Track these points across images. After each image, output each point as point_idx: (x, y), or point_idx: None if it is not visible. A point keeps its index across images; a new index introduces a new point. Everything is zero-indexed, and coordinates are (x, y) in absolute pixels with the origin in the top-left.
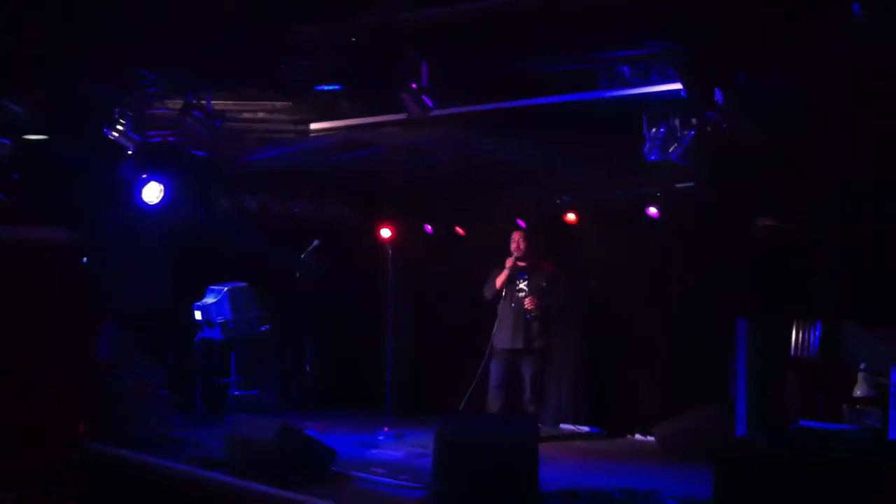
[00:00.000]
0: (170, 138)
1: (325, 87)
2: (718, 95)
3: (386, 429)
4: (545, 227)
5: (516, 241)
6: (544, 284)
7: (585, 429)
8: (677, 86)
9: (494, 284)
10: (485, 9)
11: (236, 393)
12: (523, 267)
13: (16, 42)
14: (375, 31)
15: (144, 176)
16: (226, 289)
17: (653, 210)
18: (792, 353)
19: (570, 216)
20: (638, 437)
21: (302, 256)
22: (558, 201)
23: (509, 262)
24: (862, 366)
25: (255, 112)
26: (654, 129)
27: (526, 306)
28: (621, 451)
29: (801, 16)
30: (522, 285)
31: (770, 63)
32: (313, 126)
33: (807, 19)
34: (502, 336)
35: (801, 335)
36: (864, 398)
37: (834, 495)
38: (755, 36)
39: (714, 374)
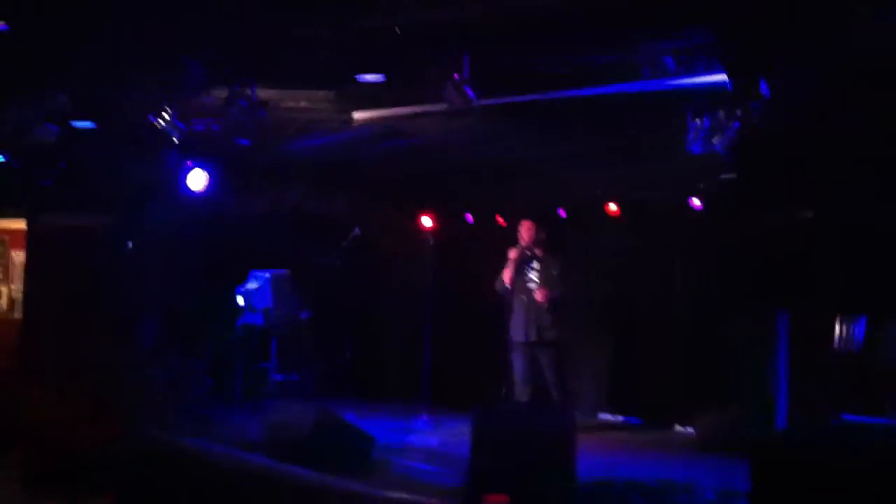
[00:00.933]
0: (214, 126)
1: (369, 78)
2: (764, 87)
3: (424, 416)
4: (584, 218)
5: (523, 231)
6: (555, 274)
7: (623, 419)
8: (722, 77)
9: (503, 278)
10: (528, 3)
11: (277, 378)
12: (533, 257)
13: (63, 30)
14: (418, 25)
15: (189, 164)
16: (268, 275)
17: (696, 201)
18: (835, 346)
19: (612, 206)
20: (677, 428)
21: (342, 245)
22: (598, 192)
23: (512, 254)
24: None
25: (298, 101)
26: (698, 121)
27: (536, 298)
28: (660, 442)
29: (844, 7)
30: (533, 276)
31: (813, 55)
32: (356, 115)
33: (849, 10)
34: (517, 329)
35: (843, 329)
36: None
37: (873, 490)
38: (799, 28)
39: (755, 366)
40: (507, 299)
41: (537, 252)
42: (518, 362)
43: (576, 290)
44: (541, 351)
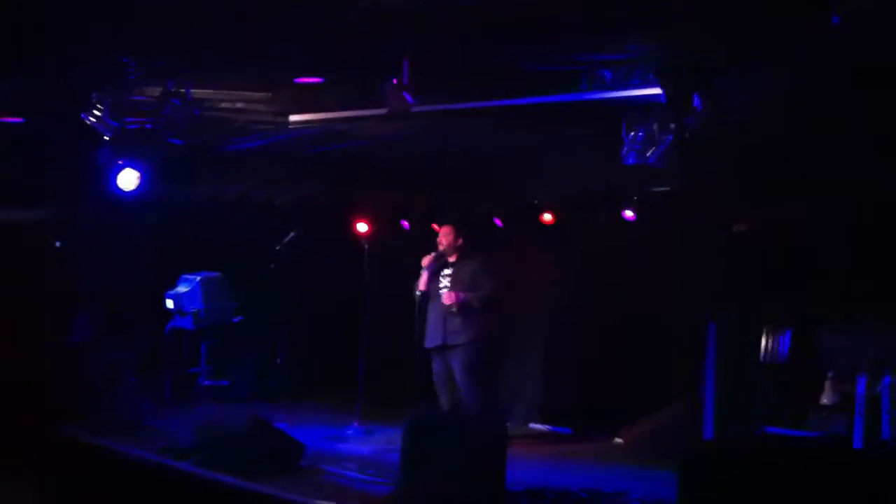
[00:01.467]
0: (147, 125)
1: (306, 80)
2: (697, 101)
3: (356, 423)
4: (521, 224)
5: (440, 236)
6: (467, 279)
7: (554, 429)
8: (657, 90)
9: (419, 284)
10: (467, 6)
11: (206, 383)
12: (448, 262)
13: None
14: (357, 25)
15: (120, 162)
16: (198, 278)
17: (629, 213)
18: (761, 358)
19: (547, 216)
20: (606, 437)
21: (277, 248)
22: (535, 200)
23: (425, 261)
24: (829, 373)
25: (234, 102)
26: (632, 133)
27: (444, 301)
28: (589, 451)
29: (780, 20)
30: (445, 282)
31: (749, 67)
32: (292, 118)
33: (785, 23)
34: (428, 335)
35: (770, 340)
36: (831, 406)
37: (796, 500)
38: (734, 40)
39: (684, 376)
40: (424, 306)
41: (451, 258)
42: (434, 370)
43: (508, 298)
44: (450, 355)
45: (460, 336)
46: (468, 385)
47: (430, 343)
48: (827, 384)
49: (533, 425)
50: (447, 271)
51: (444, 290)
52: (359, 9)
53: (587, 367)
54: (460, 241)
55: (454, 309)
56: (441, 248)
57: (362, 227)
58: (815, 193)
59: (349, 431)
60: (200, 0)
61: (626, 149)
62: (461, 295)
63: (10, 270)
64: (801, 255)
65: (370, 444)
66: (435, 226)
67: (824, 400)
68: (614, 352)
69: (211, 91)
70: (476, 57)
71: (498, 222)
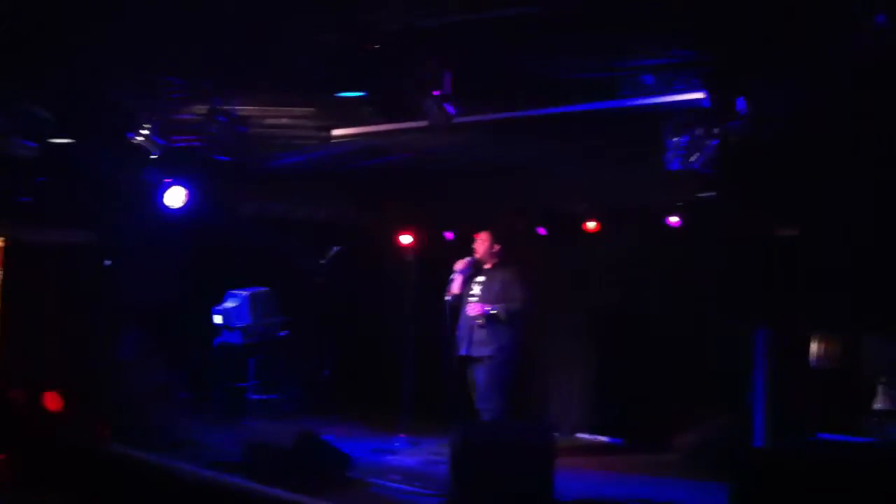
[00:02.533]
0: (194, 143)
1: (348, 94)
2: (741, 104)
3: (403, 435)
4: (565, 234)
5: (477, 243)
6: (498, 289)
7: (603, 439)
8: (700, 95)
9: (451, 289)
10: (507, 16)
11: (254, 397)
12: (483, 269)
13: (43, 44)
14: (398, 38)
15: (168, 180)
16: (246, 293)
17: (674, 219)
18: (812, 364)
19: (591, 224)
20: (656, 447)
21: (322, 262)
22: (578, 208)
23: (458, 265)
24: (882, 379)
25: (279, 118)
26: (675, 139)
27: (468, 313)
28: (638, 461)
29: (823, 21)
30: (476, 290)
31: (792, 70)
32: (335, 132)
33: (829, 25)
34: (458, 343)
35: (820, 346)
36: (884, 411)
37: None
38: (777, 44)
39: (734, 385)
40: (455, 310)
41: (486, 265)
42: (467, 376)
43: (554, 306)
44: (474, 366)
45: (485, 348)
46: (489, 399)
47: (457, 352)
48: (879, 389)
49: (581, 435)
50: (480, 278)
51: (474, 299)
52: (399, 21)
53: (635, 377)
54: (496, 248)
55: (480, 321)
56: (477, 254)
57: (406, 240)
58: (863, 196)
59: (396, 443)
60: (241, 19)
61: (669, 154)
62: (486, 307)
63: (61, 290)
64: (851, 259)
65: (417, 456)
66: (477, 236)
67: (877, 405)
68: (663, 360)
69: (256, 108)
70: (517, 67)
71: (542, 231)
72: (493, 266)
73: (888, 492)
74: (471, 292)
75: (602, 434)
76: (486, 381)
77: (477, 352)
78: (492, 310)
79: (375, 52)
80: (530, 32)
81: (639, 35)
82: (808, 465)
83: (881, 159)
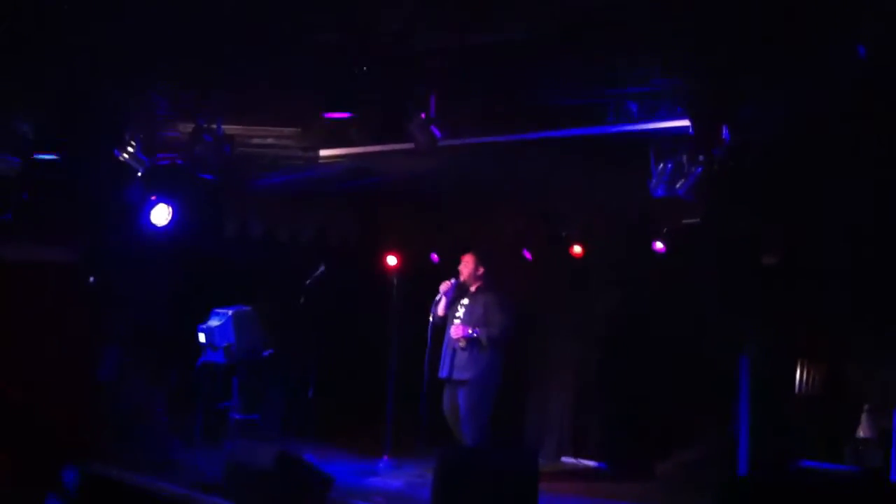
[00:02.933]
0: (178, 161)
1: (335, 115)
2: (725, 133)
3: (386, 457)
4: (551, 257)
5: (461, 265)
6: (481, 313)
7: (587, 463)
8: (684, 122)
9: (437, 310)
10: (494, 43)
11: (237, 417)
12: (468, 292)
13: (28, 62)
14: (386, 62)
15: (153, 198)
16: (230, 312)
17: (659, 245)
18: (796, 391)
19: (576, 248)
20: (639, 472)
21: (307, 282)
22: (563, 232)
23: (443, 287)
24: (866, 406)
25: (265, 138)
26: (661, 165)
27: (451, 334)
28: (621, 486)
29: (805, 49)
30: (460, 312)
31: (774, 97)
32: (322, 153)
33: (810, 53)
34: (441, 364)
35: (804, 373)
36: (868, 439)
37: None
38: (760, 71)
39: (717, 410)
40: (438, 332)
41: (471, 287)
42: (444, 395)
43: (539, 330)
44: (457, 389)
45: (466, 372)
46: (469, 423)
47: (441, 374)
48: (863, 417)
49: (565, 459)
50: (465, 301)
51: (457, 321)
52: (385, 46)
53: (618, 401)
54: (481, 270)
55: (461, 344)
56: (462, 276)
57: (392, 261)
58: (844, 222)
59: (379, 465)
60: (228, 37)
61: (654, 181)
62: (468, 330)
63: (41, 307)
64: (836, 286)
65: (400, 478)
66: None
67: (860, 433)
68: (646, 385)
69: (241, 127)
70: (503, 92)
71: (527, 254)
72: (478, 289)
73: None
74: (455, 314)
75: (586, 458)
76: (466, 406)
77: (458, 375)
78: (474, 333)
79: (363, 74)
80: (515, 58)
81: (624, 63)
82: (792, 492)
83: (866, 185)
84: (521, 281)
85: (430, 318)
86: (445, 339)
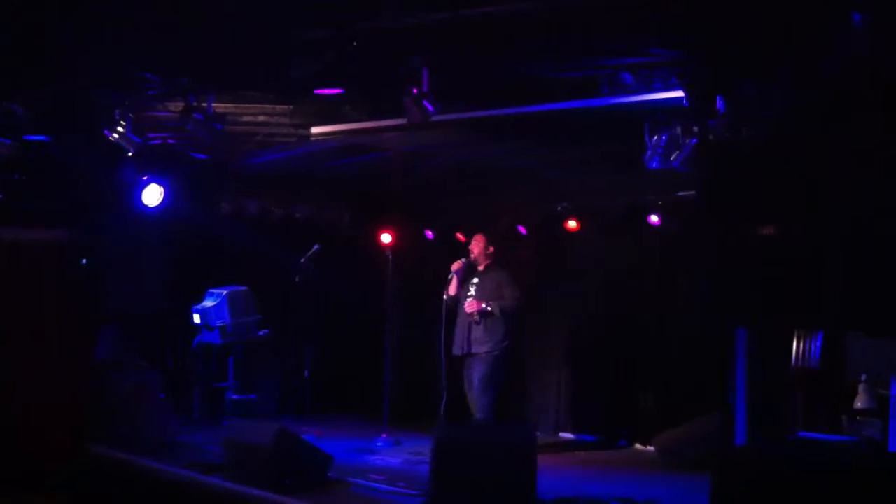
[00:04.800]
0: (170, 141)
1: (327, 92)
2: (720, 103)
3: (384, 435)
4: (545, 233)
5: (472, 244)
6: (493, 288)
7: (584, 437)
8: (679, 94)
9: (448, 290)
10: (486, 14)
11: (234, 397)
12: (477, 271)
13: (18, 42)
14: (378, 36)
15: (145, 178)
16: (225, 292)
17: (654, 218)
18: (792, 363)
19: (571, 223)
20: (638, 446)
21: (302, 261)
22: (559, 207)
23: (454, 266)
24: (863, 377)
25: (256, 115)
26: (655, 137)
27: (465, 309)
28: (620, 460)
29: (803, 23)
30: (472, 290)
31: (771, 70)
32: (314, 130)
33: (808, 27)
34: (455, 342)
35: (801, 345)
36: (865, 410)
37: None
38: (757, 44)
39: (714, 383)
40: (452, 312)
41: (480, 266)
42: (463, 374)
43: (536, 306)
44: (470, 363)
45: (482, 345)
46: (482, 395)
47: (456, 351)
48: (861, 388)
49: (563, 434)
50: (475, 280)
51: (470, 298)
52: (376, 22)
53: (617, 375)
54: (491, 249)
55: (476, 318)
56: (472, 256)
57: (386, 239)
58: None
59: (378, 443)
60: (218, 14)
61: (649, 153)
62: (481, 304)
63: (36, 289)
64: (833, 257)
65: (399, 456)
66: (459, 235)
67: (858, 404)
68: (644, 359)
69: (233, 105)
70: (496, 66)
71: (522, 230)
72: (487, 267)
73: (867, 490)
74: (468, 293)
75: (584, 433)
76: (480, 377)
77: (475, 349)
78: (487, 307)
79: (355, 48)
80: (510, 31)
81: (619, 34)
82: (789, 463)
83: (862, 159)
84: (517, 257)
85: (444, 298)
86: (458, 318)
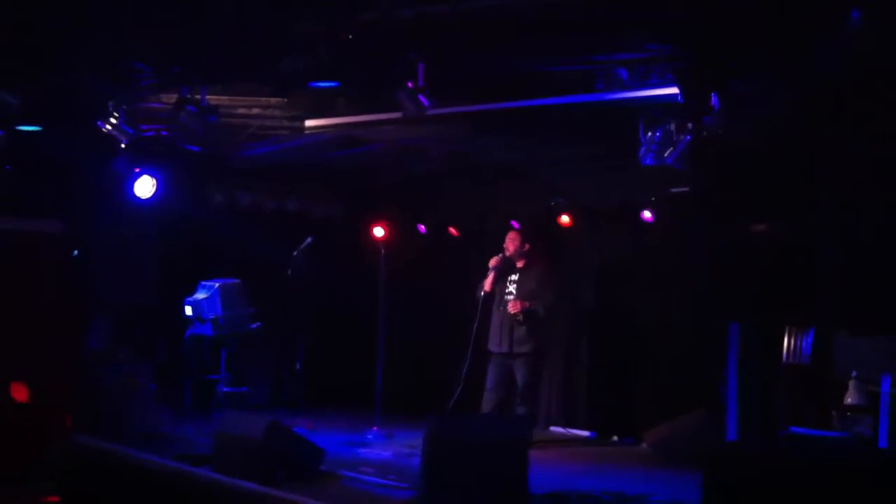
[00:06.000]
0: (163, 132)
1: (321, 84)
2: (715, 100)
3: (375, 428)
4: (539, 228)
5: (507, 241)
6: (534, 286)
7: (576, 432)
8: (674, 90)
9: (484, 286)
10: (483, 8)
11: (225, 390)
12: (516, 268)
13: (10, 32)
14: (373, 29)
15: (137, 170)
16: (217, 285)
17: (647, 214)
18: (784, 359)
19: (564, 218)
20: (629, 441)
21: (294, 254)
22: (553, 203)
23: (492, 262)
24: (853, 373)
25: (250, 108)
26: (649, 134)
27: (509, 310)
28: (612, 454)
29: (799, 21)
30: (511, 288)
31: (767, 68)
32: (308, 123)
33: (804, 24)
34: (492, 339)
35: (793, 342)
36: (855, 406)
37: (821, 502)
38: (752, 41)
39: (706, 378)
40: (488, 307)
41: (518, 263)
42: (490, 371)
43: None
44: (514, 362)
45: (526, 345)
46: (525, 395)
47: (495, 348)
48: (851, 384)
49: (554, 429)
50: (513, 277)
51: (510, 297)
52: (372, 14)
53: (609, 371)
54: (527, 246)
55: (519, 318)
56: (508, 252)
57: (379, 232)
58: (837, 192)
59: (369, 436)
60: (214, 6)
61: (643, 149)
62: (526, 304)
63: (26, 281)
64: (825, 255)
65: (390, 449)
66: (452, 230)
67: (849, 400)
68: (636, 354)
69: (226, 97)
70: (492, 60)
71: (515, 224)
72: (525, 264)
73: (858, 486)
74: (506, 290)
75: (575, 427)
76: (525, 376)
77: (518, 348)
78: (533, 307)
79: (350, 42)
80: (505, 25)
81: (614, 29)
82: (780, 459)
83: (856, 156)
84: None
85: (480, 294)
86: (498, 315)
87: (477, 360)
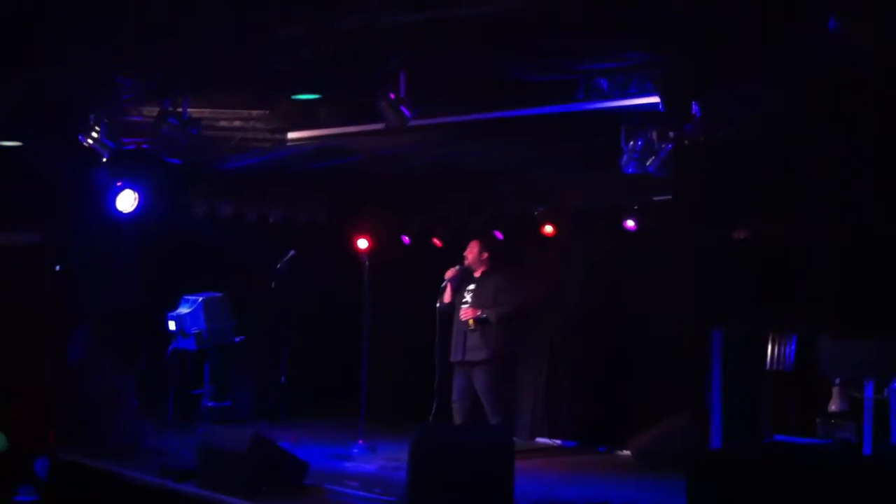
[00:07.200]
0: (144, 145)
1: (303, 96)
2: (696, 108)
3: (360, 441)
4: (522, 236)
5: (467, 250)
6: (490, 294)
7: (560, 442)
8: (654, 99)
9: (443, 298)
10: (463, 17)
11: (209, 404)
12: (473, 277)
13: None
14: (354, 39)
15: (119, 184)
16: (200, 299)
17: (630, 223)
18: (767, 366)
19: (548, 228)
20: (613, 449)
21: (278, 266)
22: (536, 212)
23: (448, 274)
24: (836, 380)
25: (232, 120)
26: (631, 143)
27: (461, 317)
28: (597, 463)
29: (778, 24)
30: (468, 297)
31: (747, 71)
32: (290, 135)
33: (783, 27)
34: (452, 349)
35: (776, 348)
36: (839, 412)
37: None
38: (732, 45)
39: (690, 385)
40: (446, 318)
41: (476, 272)
42: (454, 382)
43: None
44: (470, 370)
45: (479, 352)
46: (488, 403)
47: (454, 357)
48: (834, 391)
49: (539, 439)
50: (471, 287)
51: (465, 306)
52: (353, 22)
53: (592, 379)
54: (486, 255)
55: (471, 325)
56: (466, 262)
57: (363, 244)
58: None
59: (354, 449)
60: (194, 17)
61: (625, 158)
62: (476, 311)
63: (8, 293)
64: (808, 260)
65: (375, 462)
66: (436, 240)
67: (832, 407)
68: (619, 363)
69: (208, 109)
70: (473, 68)
71: (499, 235)
72: (483, 273)
73: (842, 492)
74: (463, 300)
75: (560, 437)
76: (484, 384)
77: (471, 356)
78: (482, 314)
79: (331, 52)
80: (486, 34)
81: (595, 37)
82: (764, 466)
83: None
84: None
85: (437, 306)
86: (455, 325)
87: (448, 372)
